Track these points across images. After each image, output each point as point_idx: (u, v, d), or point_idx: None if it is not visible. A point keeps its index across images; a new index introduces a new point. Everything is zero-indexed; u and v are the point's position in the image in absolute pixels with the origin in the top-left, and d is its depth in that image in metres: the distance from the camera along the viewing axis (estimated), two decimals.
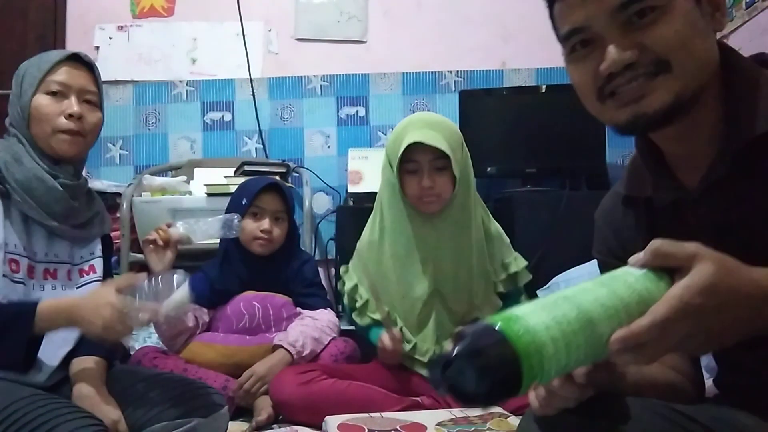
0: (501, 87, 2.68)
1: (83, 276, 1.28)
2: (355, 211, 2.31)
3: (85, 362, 1.18)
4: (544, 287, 2.02)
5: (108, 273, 1.35)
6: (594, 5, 0.68)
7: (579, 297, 0.53)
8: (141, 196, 2.25)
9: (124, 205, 2.22)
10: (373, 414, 1.47)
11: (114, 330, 1.03)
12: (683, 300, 0.51)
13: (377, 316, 1.69)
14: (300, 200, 2.49)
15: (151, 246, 1.49)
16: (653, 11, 0.66)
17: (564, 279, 1.97)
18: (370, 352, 1.79)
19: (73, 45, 2.69)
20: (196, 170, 2.45)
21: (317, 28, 2.76)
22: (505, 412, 1.41)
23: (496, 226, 1.77)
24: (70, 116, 1.20)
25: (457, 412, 1.44)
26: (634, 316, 0.52)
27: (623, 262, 0.58)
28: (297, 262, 1.92)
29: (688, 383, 0.79)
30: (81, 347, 1.20)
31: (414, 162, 1.62)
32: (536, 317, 0.50)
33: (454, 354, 0.49)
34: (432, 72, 2.75)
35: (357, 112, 2.76)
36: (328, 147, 2.75)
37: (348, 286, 1.76)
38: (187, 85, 2.77)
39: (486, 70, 2.74)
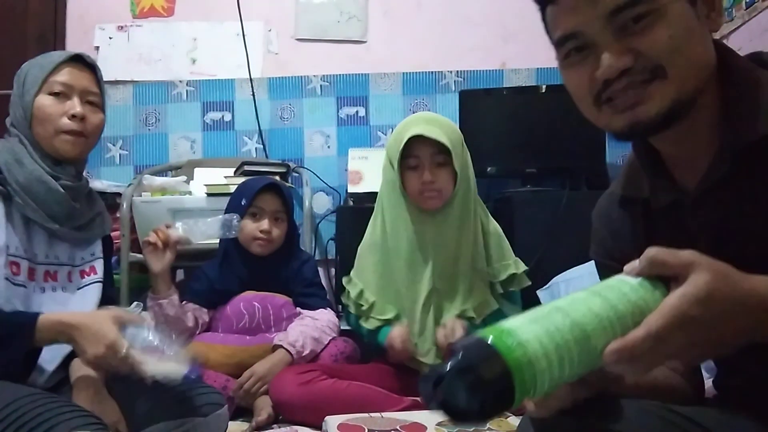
0: (501, 87, 2.68)
1: (84, 277, 1.27)
2: (355, 211, 2.31)
3: None
4: (544, 287, 2.02)
5: (108, 274, 1.35)
6: (587, 11, 0.66)
7: (572, 308, 0.52)
8: (141, 196, 2.25)
9: (124, 205, 2.22)
10: (373, 414, 1.47)
11: (104, 364, 1.03)
12: (679, 310, 0.51)
13: (387, 316, 1.68)
14: (300, 200, 2.49)
15: (150, 247, 1.49)
16: (647, 16, 0.65)
17: (564, 279, 1.97)
18: (370, 352, 1.79)
19: (73, 45, 2.69)
20: (196, 170, 2.45)
21: (317, 28, 2.76)
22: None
23: (495, 227, 1.77)
24: (72, 117, 1.20)
25: None
26: (629, 327, 0.51)
27: (620, 264, 0.58)
28: (297, 262, 1.92)
29: (687, 384, 0.79)
30: None
31: (415, 157, 1.63)
32: (529, 330, 0.49)
33: (446, 370, 0.48)
34: (432, 72, 2.75)
35: (357, 112, 2.76)
36: (328, 147, 2.75)
37: (353, 292, 1.74)
38: (187, 85, 2.77)
39: (486, 70, 2.74)
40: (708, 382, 0.84)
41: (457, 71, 2.74)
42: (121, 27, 2.77)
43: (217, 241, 1.88)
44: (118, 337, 1.01)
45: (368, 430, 1.35)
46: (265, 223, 1.83)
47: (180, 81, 2.76)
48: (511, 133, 2.47)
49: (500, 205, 2.22)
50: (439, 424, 1.37)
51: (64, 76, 1.21)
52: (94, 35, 2.76)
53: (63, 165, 1.23)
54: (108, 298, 1.31)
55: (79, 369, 1.16)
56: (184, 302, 1.77)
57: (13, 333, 1.04)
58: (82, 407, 1.00)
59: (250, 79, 2.74)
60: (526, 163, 2.41)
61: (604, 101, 0.69)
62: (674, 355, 0.52)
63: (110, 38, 2.76)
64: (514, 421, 1.37)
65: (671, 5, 0.65)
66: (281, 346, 1.70)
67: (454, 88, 2.72)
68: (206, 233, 1.51)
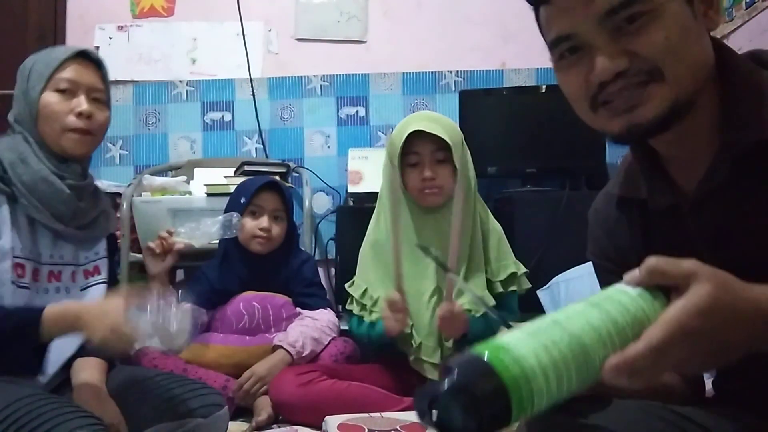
0: (501, 87, 2.68)
1: (88, 278, 1.26)
2: (355, 211, 2.31)
3: (87, 363, 1.18)
4: (544, 287, 2.02)
5: (113, 274, 1.34)
6: (580, 12, 0.65)
7: (570, 321, 0.51)
8: (141, 196, 2.25)
9: (124, 205, 2.22)
10: (373, 414, 1.47)
11: (113, 342, 1.01)
12: (679, 322, 0.49)
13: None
14: (300, 200, 2.49)
15: (150, 251, 1.50)
16: (642, 16, 0.63)
17: (564, 279, 1.98)
18: (370, 353, 1.78)
19: (73, 45, 2.69)
20: (196, 170, 2.45)
21: (317, 28, 2.76)
22: None
23: (496, 226, 1.76)
24: (79, 115, 1.18)
25: None
26: (628, 340, 0.50)
27: (615, 265, 0.57)
28: (296, 261, 1.92)
29: (686, 384, 0.78)
30: (83, 348, 1.19)
31: (415, 154, 1.63)
32: (526, 346, 0.48)
33: (441, 389, 0.47)
34: (432, 72, 2.75)
35: (357, 112, 2.76)
36: (328, 147, 2.75)
37: (357, 293, 1.71)
38: (187, 85, 2.77)
39: (486, 70, 2.74)
40: (708, 383, 0.84)
41: (457, 71, 2.74)
42: (121, 27, 2.78)
43: (217, 241, 1.88)
44: (122, 320, 1.00)
45: (368, 430, 1.35)
46: (264, 221, 1.83)
47: (180, 81, 2.77)
48: (511, 133, 2.47)
49: (500, 205, 2.22)
50: None
51: (70, 72, 1.19)
52: (94, 35, 2.76)
53: (68, 163, 1.21)
54: None
55: (80, 371, 1.16)
56: (183, 302, 1.77)
57: (20, 328, 1.03)
58: (82, 408, 1.01)
59: (250, 79, 2.74)
60: (526, 163, 2.41)
61: (600, 104, 0.67)
62: (675, 367, 0.51)
63: (110, 38, 2.76)
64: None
65: (667, 4, 0.63)
66: (281, 347, 1.70)
67: (454, 88, 2.72)
68: (208, 234, 1.51)
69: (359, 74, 2.75)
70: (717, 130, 0.68)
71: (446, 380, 0.47)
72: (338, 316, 1.91)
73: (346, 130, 2.76)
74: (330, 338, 1.78)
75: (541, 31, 0.73)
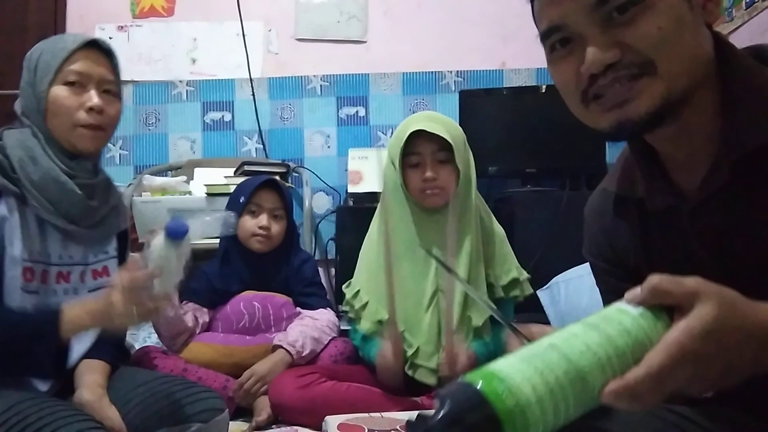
0: (501, 87, 2.68)
1: (96, 278, 1.21)
2: (355, 211, 2.31)
3: (89, 366, 1.16)
4: (544, 287, 2.03)
5: None
6: (570, 1, 0.62)
7: (568, 345, 0.48)
8: (141, 196, 2.25)
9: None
10: (373, 414, 1.47)
11: (130, 311, 0.97)
12: (682, 345, 0.47)
13: (379, 317, 1.63)
14: (300, 200, 2.49)
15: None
16: (635, 6, 0.60)
17: (564, 279, 1.98)
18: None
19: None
20: (196, 170, 2.46)
21: (317, 28, 2.76)
22: None
23: (499, 230, 1.74)
24: (90, 110, 1.12)
25: None
26: (629, 363, 0.48)
27: (614, 266, 0.56)
28: (297, 261, 1.92)
29: None
30: (87, 350, 1.18)
31: (416, 154, 1.62)
32: (521, 374, 0.46)
33: (434, 421, 0.46)
34: (432, 72, 2.75)
35: (357, 112, 2.76)
36: (328, 147, 2.76)
37: (349, 294, 1.70)
38: (187, 85, 2.77)
39: (486, 70, 2.74)
40: None
41: (457, 71, 2.74)
42: (121, 27, 2.78)
43: (217, 240, 1.88)
44: (127, 309, 0.97)
45: (368, 429, 1.35)
46: (263, 219, 1.83)
47: (180, 81, 2.77)
48: (511, 133, 2.47)
49: (500, 205, 2.22)
50: None
51: (80, 64, 1.13)
52: (94, 35, 2.75)
53: (79, 160, 1.15)
54: None
55: (82, 375, 1.15)
56: (183, 302, 1.77)
57: (40, 328, 1.01)
58: (83, 412, 1.00)
59: (250, 79, 2.74)
60: (526, 163, 2.41)
61: (591, 98, 0.65)
62: (677, 390, 0.49)
63: (110, 38, 2.76)
64: None
65: None
66: (281, 346, 1.70)
67: (454, 88, 2.72)
68: (202, 231, 1.51)
69: (359, 74, 2.75)
70: (717, 128, 0.65)
71: (439, 411, 0.46)
72: (338, 316, 1.90)
73: (346, 130, 2.76)
74: (330, 338, 1.78)
75: (536, 25, 0.71)
